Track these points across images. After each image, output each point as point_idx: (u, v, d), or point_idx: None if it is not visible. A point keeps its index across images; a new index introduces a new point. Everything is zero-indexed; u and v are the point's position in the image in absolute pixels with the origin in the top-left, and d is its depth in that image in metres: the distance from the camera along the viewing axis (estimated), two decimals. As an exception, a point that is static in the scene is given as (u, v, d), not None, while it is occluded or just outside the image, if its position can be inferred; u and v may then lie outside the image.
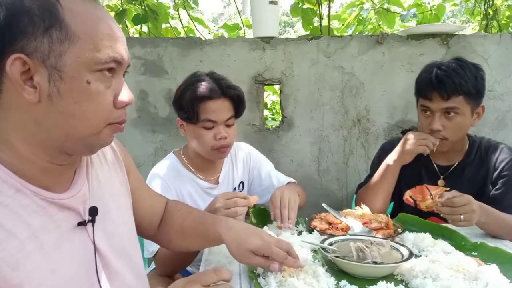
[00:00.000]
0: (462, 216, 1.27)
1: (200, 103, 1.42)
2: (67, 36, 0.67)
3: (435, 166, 1.60)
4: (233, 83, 1.50)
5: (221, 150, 1.48)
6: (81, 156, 0.83)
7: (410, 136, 1.55)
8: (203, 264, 1.13)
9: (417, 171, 1.64)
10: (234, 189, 1.65)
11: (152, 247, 1.35)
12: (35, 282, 0.67)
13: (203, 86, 1.43)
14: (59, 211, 0.75)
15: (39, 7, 0.66)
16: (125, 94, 0.76)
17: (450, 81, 1.43)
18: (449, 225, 1.38)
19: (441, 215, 1.33)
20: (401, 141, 1.59)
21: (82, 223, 0.78)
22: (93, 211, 0.80)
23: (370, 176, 1.73)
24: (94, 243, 0.80)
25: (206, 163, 1.57)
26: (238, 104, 1.50)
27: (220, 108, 1.44)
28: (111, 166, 0.94)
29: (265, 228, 1.35)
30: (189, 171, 1.57)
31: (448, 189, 1.58)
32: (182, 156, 1.60)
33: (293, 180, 1.73)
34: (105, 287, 0.79)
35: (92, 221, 0.80)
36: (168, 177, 1.49)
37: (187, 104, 1.42)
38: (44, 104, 0.68)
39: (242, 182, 1.68)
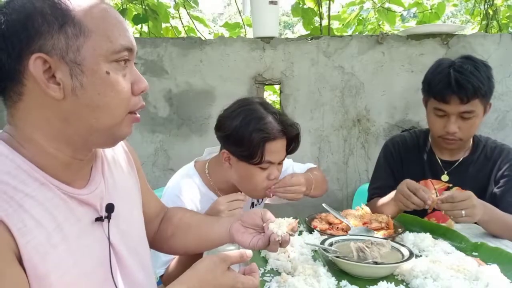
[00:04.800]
0: (463, 212, 1.25)
1: (265, 144, 1.31)
2: (81, 31, 0.70)
3: (439, 161, 1.60)
4: (289, 117, 1.42)
5: (269, 190, 1.40)
6: (103, 148, 0.87)
7: (401, 190, 1.37)
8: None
9: (420, 166, 1.64)
10: (252, 203, 1.59)
11: (159, 269, 1.34)
12: (59, 273, 0.69)
13: (270, 126, 1.31)
14: (79, 205, 0.77)
15: (50, 6, 0.69)
16: (141, 80, 0.79)
17: (470, 86, 1.39)
18: (450, 225, 1.38)
19: (443, 212, 1.32)
20: (396, 191, 1.41)
21: (99, 219, 0.80)
22: (110, 208, 0.83)
23: (376, 177, 1.73)
24: (109, 239, 0.82)
25: (234, 189, 1.44)
26: (295, 143, 1.42)
27: (280, 149, 1.37)
28: (123, 165, 0.96)
29: None
30: (214, 193, 1.47)
31: (451, 185, 1.59)
32: (207, 174, 1.48)
33: (313, 166, 1.68)
34: (118, 282, 0.81)
35: (108, 217, 0.82)
36: (196, 201, 1.41)
37: (254, 144, 1.30)
38: (69, 99, 0.70)
39: None
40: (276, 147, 1.34)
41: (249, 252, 0.85)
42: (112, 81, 0.73)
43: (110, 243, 0.82)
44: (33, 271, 0.66)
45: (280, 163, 1.40)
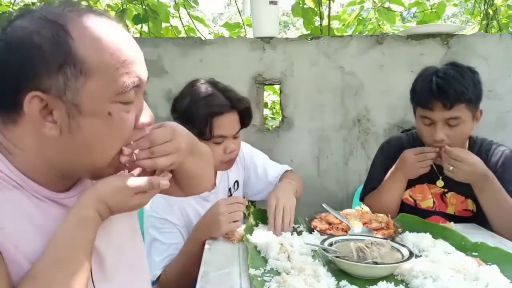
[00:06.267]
0: (451, 168, 1.40)
1: (213, 119, 1.36)
2: (82, 71, 0.65)
3: (434, 166, 1.58)
4: (237, 92, 1.46)
5: (230, 162, 1.47)
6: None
7: (408, 157, 1.50)
8: (203, 264, 1.13)
9: None
10: (229, 189, 1.62)
11: (155, 271, 1.35)
12: (30, 265, 0.68)
13: (215, 101, 1.37)
14: (59, 209, 0.76)
15: (50, 43, 0.64)
16: (146, 115, 0.75)
17: (452, 90, 1.38)
18: (450, 225, 1.38)
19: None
20: (399, 161, 1.53)
21: None
22: None
23: (371, 178, 1.72)
24: None
25: None
26: (246, 116, 1.47)
27: (230, 123, 1.42)
28: None
29: (262, 226, 1.36)
30: None
31: (446, 190, 1.58)
32: None
33: (289, 168, 1.73)
34: (97, 286, 0.79)
35: None
36: (186, 207, 1.46)
37: (202, 120, 1.35)
38: (64, 137, 0.68)
39: (236, 182, 1.67)
40: (225, 121, 1.39)
41: (164, 182, 0.77)
42: (114, 122, 0.69)
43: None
44: (8, 257, 0.65)
45: (236, 137, 1.45)
